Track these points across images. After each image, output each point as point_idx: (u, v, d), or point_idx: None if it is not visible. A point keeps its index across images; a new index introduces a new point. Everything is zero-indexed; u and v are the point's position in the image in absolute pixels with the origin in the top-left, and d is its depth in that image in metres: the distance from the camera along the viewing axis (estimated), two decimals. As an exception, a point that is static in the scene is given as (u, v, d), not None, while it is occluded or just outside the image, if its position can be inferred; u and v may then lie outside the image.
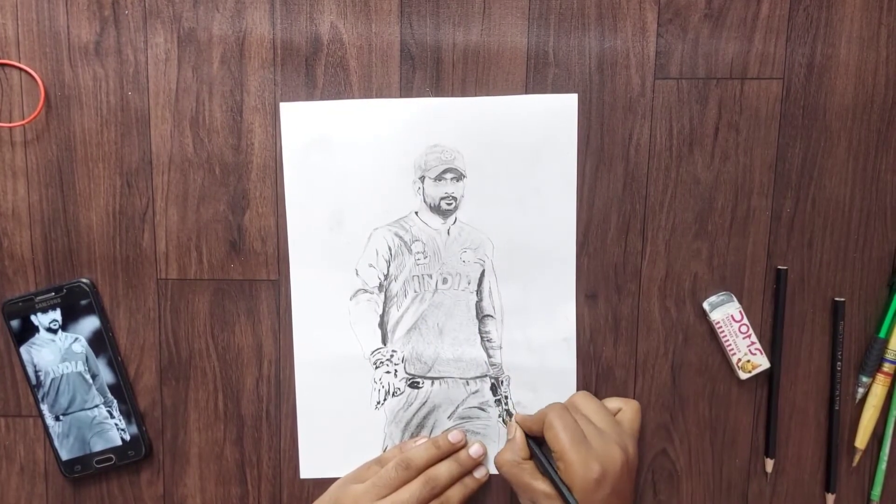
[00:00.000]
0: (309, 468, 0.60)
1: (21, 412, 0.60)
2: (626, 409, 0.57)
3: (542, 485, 0.53)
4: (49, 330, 0.58)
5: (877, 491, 0.60)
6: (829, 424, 0.60)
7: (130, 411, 0.59)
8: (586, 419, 0.54)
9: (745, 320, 0.59)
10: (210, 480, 0.61)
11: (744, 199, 0.58)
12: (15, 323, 0.58)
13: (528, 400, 0.60)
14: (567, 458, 0.51)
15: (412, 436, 0.60)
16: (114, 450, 0.59)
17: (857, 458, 0.60)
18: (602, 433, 0.53)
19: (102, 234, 0.58)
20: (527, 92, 0.57)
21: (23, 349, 0.58)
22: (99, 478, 0.60)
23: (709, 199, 0.58)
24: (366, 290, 0.59)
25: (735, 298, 0.59)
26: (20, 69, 0.57)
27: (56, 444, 0.59)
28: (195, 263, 0.59)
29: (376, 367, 0.60)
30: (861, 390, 0.59)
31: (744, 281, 0.59)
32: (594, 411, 0.55)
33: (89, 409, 0.59)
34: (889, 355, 0.59)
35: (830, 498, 0.60)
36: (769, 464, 0.60)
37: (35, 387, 0.58)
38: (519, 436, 0.57)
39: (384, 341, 0.60)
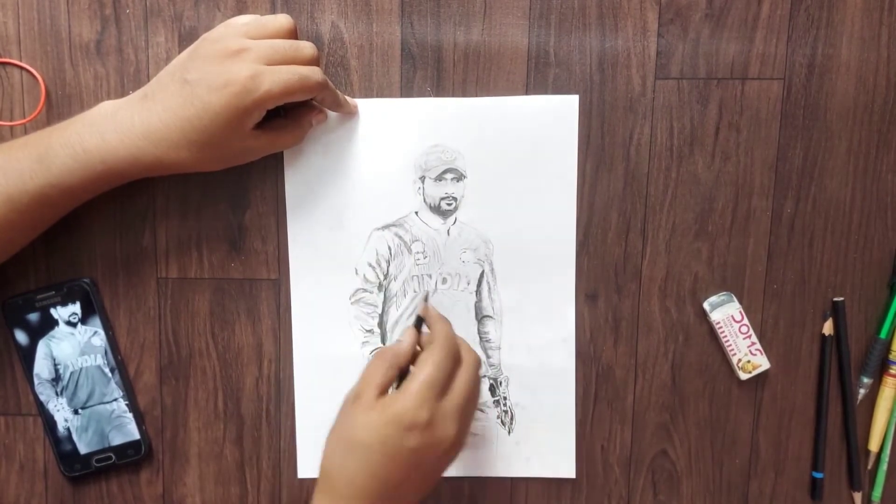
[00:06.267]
0: (307, 467, 0.60)
1: (21, 411, 0.60)
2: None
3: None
4: (69, 323, 0.58)
5: (877, 492, 0.60)
6: (844, 425, 0.60)
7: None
8: (462, 385, 0.51)
9: (746, 320, 0.58)
10: (209, 480, 0.61)
11: (744, 199, 0.58)
12: (33, 316, 0.58)
13: (527, 401, 0.60)
14: (410, 389, 0.49)
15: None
16: (113, 448, 0.59)
17: (871, 461, 0.60)
18: (456, 406, 0.50)
19: (103, 233, 0.58)
20: (527, 92, 0.57)
21: (42, 342, 0.58)
22: (98, 477, 0.60)
23: (709, 199, 0.58)
24: (365, 290, 0.59)
25: (735, 299, 0.59)
26: (21, 68, 0.57)
27: (74, 437, 0.59)
28: (195, 262, 0.59)
29: (376, 367, 0.60)
30: (862, 391, 0.59)
31: (744, 281, 0.59)
32: (468, 383, 0.51)
33: (108, 402, 0.59)
34: (893, 357, 0.59)
35: (857, 496, 0.60)
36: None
37: (54, 380, 0.58)
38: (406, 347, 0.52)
39: (383, 341, 0.60)
